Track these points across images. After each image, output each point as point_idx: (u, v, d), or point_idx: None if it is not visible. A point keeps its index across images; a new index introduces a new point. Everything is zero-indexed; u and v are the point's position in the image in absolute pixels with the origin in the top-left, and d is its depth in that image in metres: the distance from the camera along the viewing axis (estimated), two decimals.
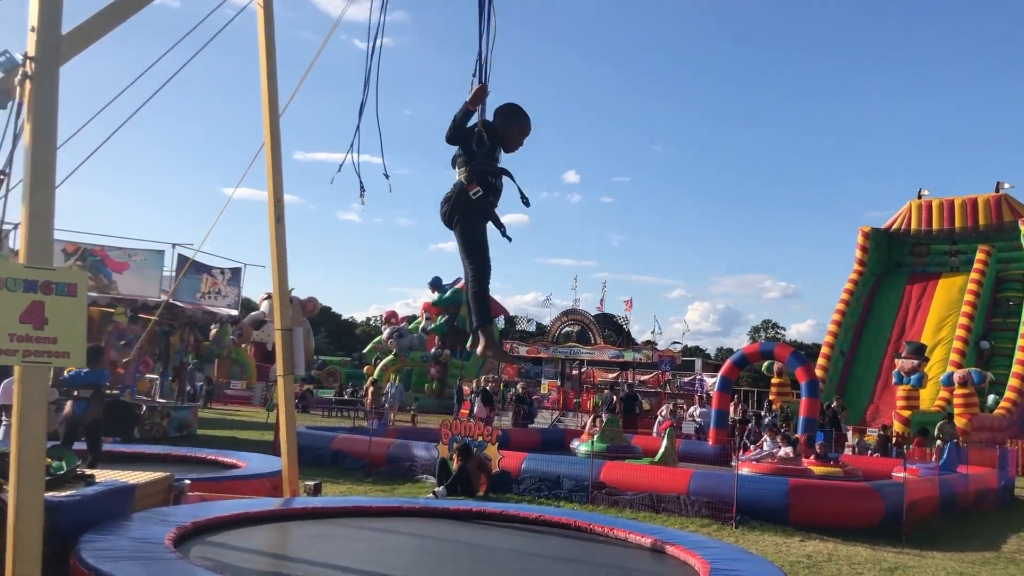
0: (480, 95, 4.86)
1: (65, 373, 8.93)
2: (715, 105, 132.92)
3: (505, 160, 5.05)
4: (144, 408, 17.45)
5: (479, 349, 4.82)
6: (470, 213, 4.74)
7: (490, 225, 4.87)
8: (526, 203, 5.00)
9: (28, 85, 4.00)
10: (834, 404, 23.35)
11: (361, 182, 5.96)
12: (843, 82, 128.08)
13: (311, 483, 6.57)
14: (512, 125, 4.98)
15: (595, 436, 17.47)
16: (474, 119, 4.87)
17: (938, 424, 20.33)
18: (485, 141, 4.81)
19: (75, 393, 8.73)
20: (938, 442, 18.62)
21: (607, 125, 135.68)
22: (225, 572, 3.90)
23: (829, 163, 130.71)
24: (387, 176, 6.01)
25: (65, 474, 4.90)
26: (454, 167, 4.96)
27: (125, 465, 7.68)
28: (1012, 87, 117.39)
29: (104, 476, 5.19)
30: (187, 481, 5.69)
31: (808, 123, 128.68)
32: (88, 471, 5.02)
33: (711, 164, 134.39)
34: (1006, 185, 32.67)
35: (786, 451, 16.27)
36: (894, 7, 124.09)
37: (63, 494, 4.47)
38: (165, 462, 8.17)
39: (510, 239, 4.94)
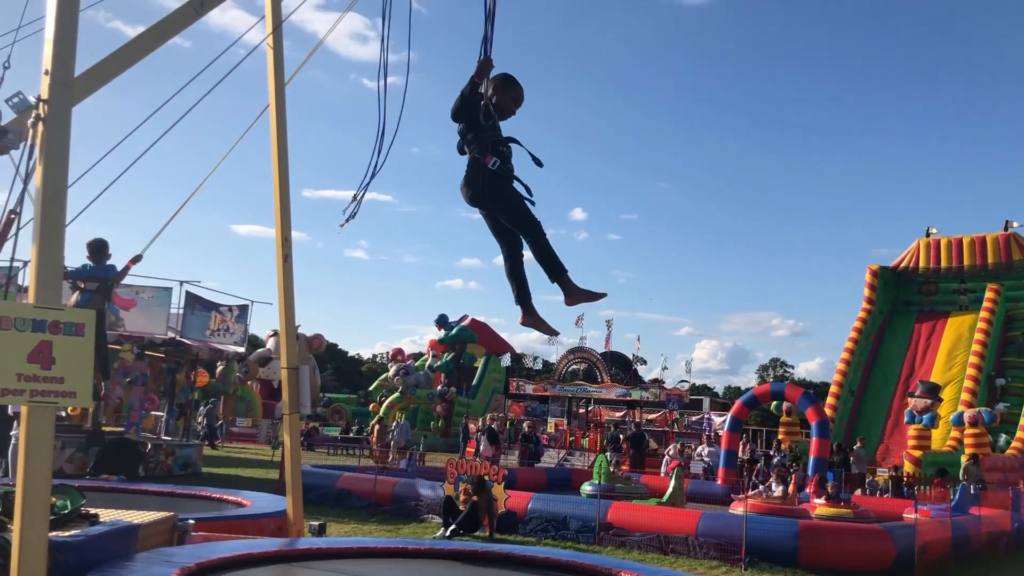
0: (485, 67, 4.89)
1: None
2: (722, 143, 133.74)
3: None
4: (149, 446, 17.40)
5: (522, 318, 4.90)
6: (495, 183, 4.79)
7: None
8: (539, 164, 5.07)
9: (40, 127, 4.05)
10: (857, 446, 23.16)
11: (355, 209, 5.93)
12: (851, 119, 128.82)
13: (315, 523, 6.52)
14: (504, 93, 5.03)
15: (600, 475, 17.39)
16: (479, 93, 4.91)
17: (963, 465, 20.10)
18: (492, 112, 4.87)
19: (81, 285, 8.51)
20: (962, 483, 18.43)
21: (614, 163, 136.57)
22: None
23: (837, 200, 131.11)
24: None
25: (69, 513, 4.87)
26: (461, 151, 5.00)
27: (130, 503, 7.62)
28: (1022, 125, 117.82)
29: (108, 515, 5.16)
30: (191, 521, 5.65)
31: (816, 160, 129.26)
32: (92, 511, 4.99)
33: (718, 202, 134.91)
34: (1015, 224, 32.71)
35: (779, 490, 16.18)
36: (897, 45, 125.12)
37: (67, 534, 4.44)
38: (170, 500, 8.12)
39: (541, 164, 5.01)
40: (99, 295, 8.39)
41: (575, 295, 4.83)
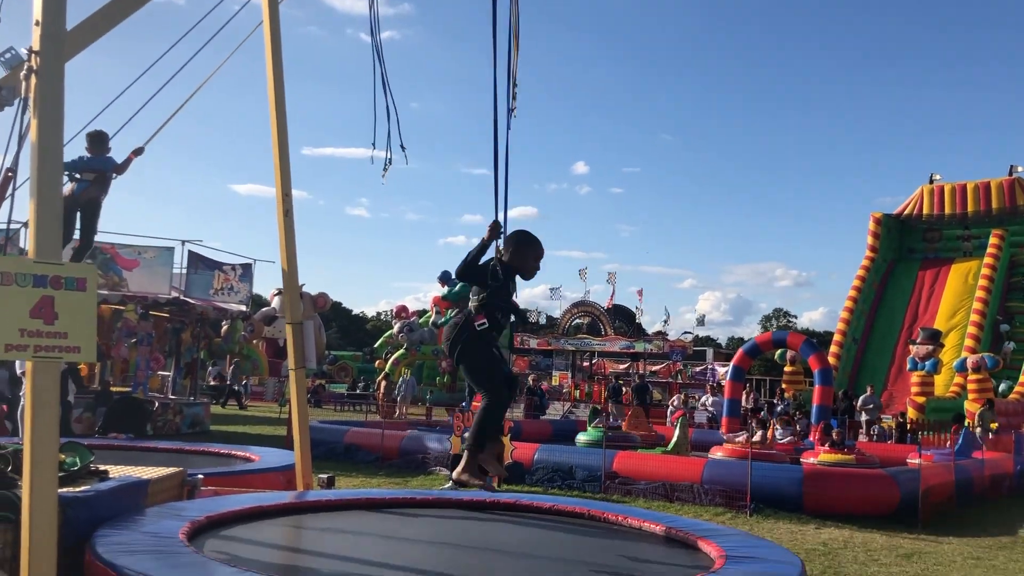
0: (495, 231, 4.86)
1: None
2: (724, 94, 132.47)
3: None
4: (156, 404, 17.52)
5: (456, 472, 4.96)
6: (474, 342, 4.81)
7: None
8: (523, 321, 5.16)
9: (33, 80, 3.99)
10: (868, 393, 23.19)
11: (389, 156, 5.86)
12: (853, 67, 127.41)
13: (324, 476, 6.58)
14: (526, 254, 5.04)
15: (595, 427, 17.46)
16: (489, 253, 4.89)
17: (979, 411, 20.19)
18: (500, 275, 4.83)
19: (78, 176, 8.26)
20: (978, 429, 18.50)
21: (616, 116, 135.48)
22: (239, 565, 3.89)
23: (840, 149, 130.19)
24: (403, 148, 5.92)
25: (79, 470, 4.90)
26: (471, 295, 4.99)
27: (139, 460, 7.67)
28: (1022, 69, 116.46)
29: (117, 472, 5.20)
30: (200, 476, 5.69)
31: (819, 109, 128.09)
32: (101, 467, 5.03)
33: (721, 153, 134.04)
34: (1019, 168, 32.48)
35: (760, 435, 16.36)
36: None
37: (77, 489, 4.47)
38: (178, 456, 8.20)
39: (526, 321, 5.08)
40: (96, 185, 8.00)
41: (467, 471, 4.91)
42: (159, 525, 4.37)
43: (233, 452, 8.17)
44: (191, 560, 3.75)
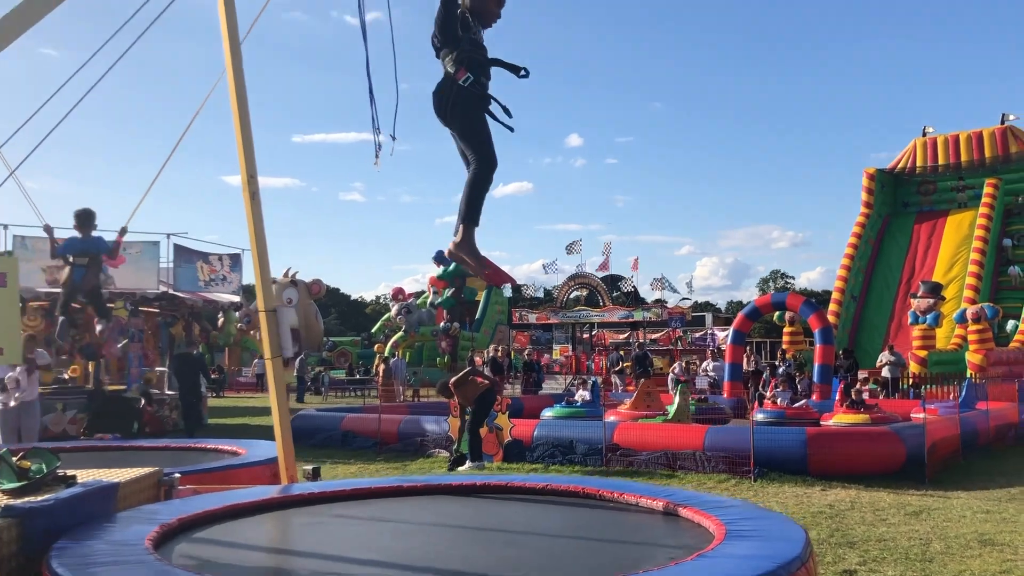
0: None
1: (59, 242, 8.45)
2: (711, 57, 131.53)
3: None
4: (143, 402, 17.26)
5: (450, 245, 4.54)
6: (464, 101, 4.45)
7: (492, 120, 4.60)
8: (523, 74, 4.73)
9: None
10: (889, 351, 22.86)
11: (377, 142, 5.60)
12: (838, 23, 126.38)
13: (309, 467, 6.36)
14: None
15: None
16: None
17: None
18: (471, 24, 4.51)
19: (71, 260, 8.31)
20: None
21: (606, 86, 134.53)
22: (207, 571, 3.66)
23: (831, 107, 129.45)
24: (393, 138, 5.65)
25: (44, 476, 4.67)
26: (440, 58, 4.61)
27: (123, 462, 7.45)
28: (1011, 15, 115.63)
29: (87, 476, 4.97)
30: (177, 474, 5.46)
31: (806, 67, 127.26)
32: (69, 472, 4.80)
33: (712, 117, 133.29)
34: (1011, 116, 32.13)
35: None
36: None
37: (38, 499, 4.24)
38: (163, 455, 7.98)
39: (512, 128, 4.67)
40: (92, 269, 8.25)
41: (464, 248, 4.47)
42: (126, 532, 4.13)
43: (220, 447, 7.96)
44: (154, 570, 3.52)
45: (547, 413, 15.86)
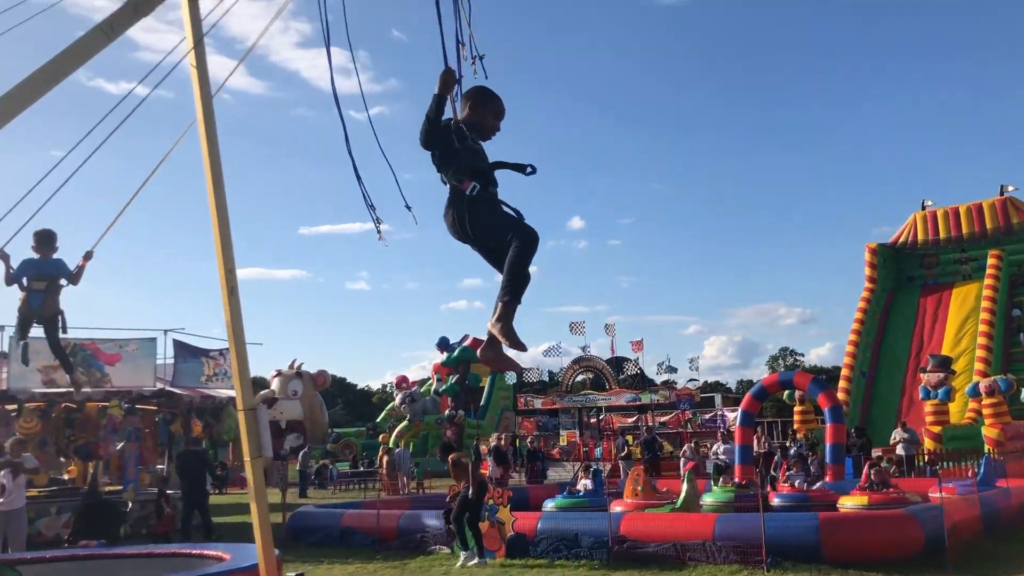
0: (449, 80, 4.22)
1: (12, 267, 7.37)
2: (711, 139, 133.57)
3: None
4: (130, 505, 16.83)
5: (488, 325, 4.05)
6: (478, 209, 4.15)
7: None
8: (530, 172, 4.38)
9: None
10: (902, 428, 22.38)
11: (375, 217, 5.43)
12: (837, 106, 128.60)
13: (294, 574, 6.02)
14: (483, 110, 4.40)
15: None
16: (447, 113, 4.26)
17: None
18: (466, 133, 4.23)
19: (24, 283, 7.23)
20: None
21: (607, 169, 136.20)
22: None
23: (829, 183, 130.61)
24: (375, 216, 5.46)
25: None
26: (442, 177, 4.32)
27: (103, 571, 7.14)
28: (1005, 88, 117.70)
29: None
30: None
31: (806, 149, 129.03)
32: None
33: (714, 197, 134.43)
34: (1010, 188, 32.29)
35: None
36: (874, 32, 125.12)
37: None
38: (145, 563, 7.63)
39: (533, 170, 4.37)
40: (51, 296, 7.27)
41: (503, 329, 4.03)
42: None
43: (204, 552, 7.61)
44: None
45: (549, 505, 15.33)
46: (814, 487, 15.36)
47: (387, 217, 5.66)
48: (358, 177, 5.42)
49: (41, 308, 7.29)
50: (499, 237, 4.16)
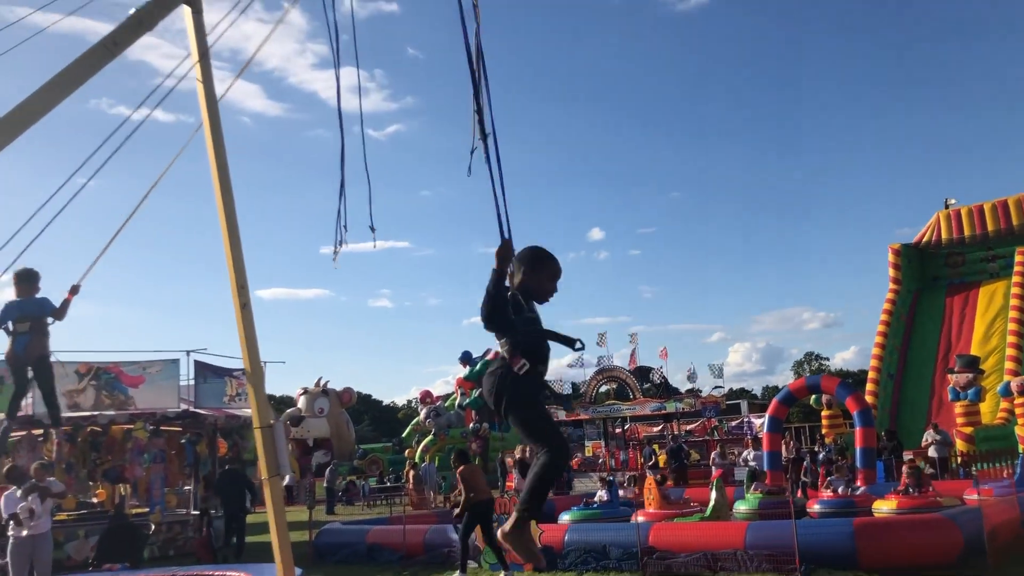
0: (506, 253, 4.09)
1: None
2: (728, 145, 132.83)
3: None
4: (153, 527, 16.83)
5: (502, 531, 4.04)
6: (520, 390, 4.00)
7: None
8: (580, 347, 4.24)
9: None
10: (933, 430, 21.95)
11: (340, 236, 5.38)
12: (856, 106, 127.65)
13: None
14: (540, 274, 4.26)
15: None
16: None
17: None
18: (523, 305, 4.08)
19: (11, 329, 6.91)
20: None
21: (625, 178, 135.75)
22: None
23: (851, 184, 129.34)
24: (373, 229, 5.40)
25: None
26: (495, 334, 4.15)
27: None
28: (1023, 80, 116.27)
29: None
30: None
31: (824, 151, 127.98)
32: None
33: (733, 203, 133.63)
34: None
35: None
36: (893, 36, 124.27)
37: None
38: None
39: (583, 346, 4.26)
40: (37, 335, 6.85)
41: (514, 540, 4.02)
42: None
43: (227, 573, 7.52)
44: None
45: (564, 517, 15.05)
46: (857, 492, 15.04)
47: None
48: (342, 191, 5.39)
49: (27, 351, 6.90)
50: (530, 435, 4.10)
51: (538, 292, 4.24)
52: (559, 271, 4.37)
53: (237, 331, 5.76)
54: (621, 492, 17.04)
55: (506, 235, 4.22)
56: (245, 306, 5.67)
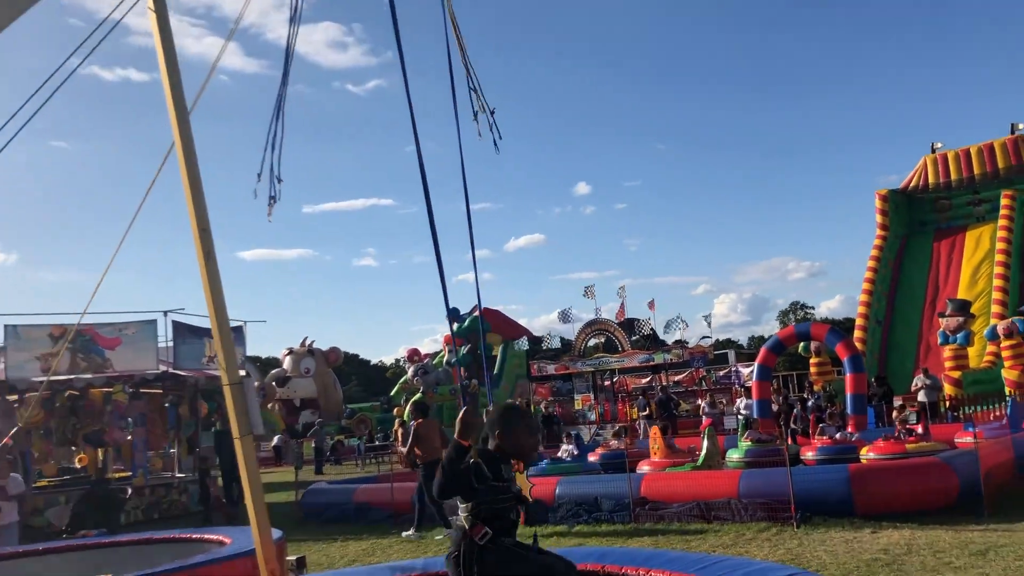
0: (470, 426, 3.79)
1: None
2: (710, 94, 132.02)
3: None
4: (130, 492, 16.53)
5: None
6: (489, 557, 3.77)
7: None
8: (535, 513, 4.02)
9: None
10: (923, 374, 21.81)
11: (272, 191, 5.04)
12: (838, 46, 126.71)
13: (293, 558, 5.62)
14: (518, 433, 3.98)
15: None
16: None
17: None
18: (485, 472, 3.79)
19: None
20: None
21: (610, 132, 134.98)
22: None
23: (835, 131, 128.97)
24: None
25: None
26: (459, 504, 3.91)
27: (103, 560, 6.76)
28: (1008, 22, 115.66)
29: None
30: None
31: (808, 98, 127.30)
32: None
33: (717, 154, 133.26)
34: (1020, 126, 31.48)
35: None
36: None
37: None
38: (144, 550, 7.27)
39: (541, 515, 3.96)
40: None
41: None
42: None
43: (205, 536, 7.24)
44: None
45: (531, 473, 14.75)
46: (853, 438, 14.85)
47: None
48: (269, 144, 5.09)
49: None
50: None
51: (519, 451, 3.98)
52: (535, 424, 4.30)
53: (202, 282, 5.37)
54: (614, 443, 16.85)
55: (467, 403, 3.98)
56: (208, 254, 5.27)
